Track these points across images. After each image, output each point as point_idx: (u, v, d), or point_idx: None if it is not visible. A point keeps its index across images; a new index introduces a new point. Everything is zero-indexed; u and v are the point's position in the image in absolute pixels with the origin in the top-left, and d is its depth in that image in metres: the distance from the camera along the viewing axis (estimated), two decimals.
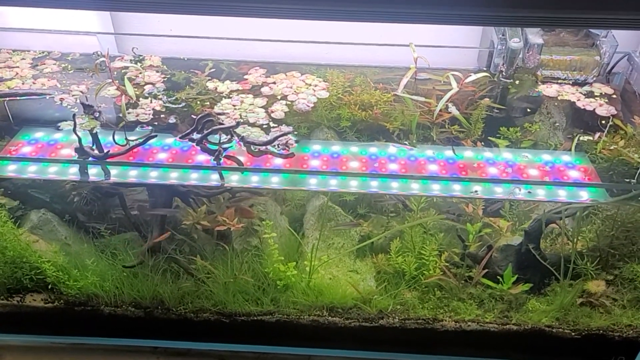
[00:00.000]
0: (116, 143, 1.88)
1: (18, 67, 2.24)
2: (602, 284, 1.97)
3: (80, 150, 1.73)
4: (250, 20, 2.12)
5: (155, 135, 1.83)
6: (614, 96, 2.18)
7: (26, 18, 2.36)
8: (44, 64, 2.27)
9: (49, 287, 2.01)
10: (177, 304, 2.01)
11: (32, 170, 1.83)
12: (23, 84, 2.14)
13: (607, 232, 1.96)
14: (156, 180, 1.78)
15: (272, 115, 2.02)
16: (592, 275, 1.95)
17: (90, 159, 1.75)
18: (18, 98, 2.06)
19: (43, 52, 2.35)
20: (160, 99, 2.08)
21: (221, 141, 1.85)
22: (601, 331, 1.95)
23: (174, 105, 2.06)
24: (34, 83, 2.13)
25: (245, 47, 2.41)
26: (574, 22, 1.55)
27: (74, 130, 1.74)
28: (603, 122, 2.05)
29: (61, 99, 2.06)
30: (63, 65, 2.28)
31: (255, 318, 2.00)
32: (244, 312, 2.00)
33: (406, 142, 1.95)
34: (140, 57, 2.33)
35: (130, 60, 2.31)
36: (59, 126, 1.93)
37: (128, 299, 2.01)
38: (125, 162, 1.78)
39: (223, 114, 1.99)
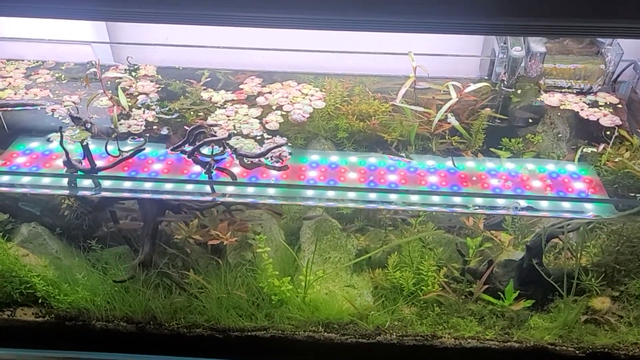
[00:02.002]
0: (109, 154, 1.85)
1: (11, 76, 2.21)
2: (607, 301, 1.90)
3: (68, 163, 1.69)
4: (248, 29, 2.08)
5: (144, 149, 1.79)
6: (619, 106, 2.12)
7: (20, 27, 2.33)
8: (38, 73, 2.24)
9: (40, 301, 1.97)
10: (170, 319, 1.96)
11: (22, 182, 1.81)
12: (15, 94, 2.11)
13: (612, 247, 1.89)
14: (145, 194, 1.75)
15: (267, 126, 1.98)
16: (596, 292, 1.88)
17: (78, 172, 1.71)
18: (9, 109, 2.03)
19: (37, 62, 2.32)
20: (153, 109, 2.04)
21: (213, 153, 1.81)
22: (606, 349, 1.88)
23: (167, 116, 2.02)
24: (26, 93, 2.11)
25: (242, 56, 2.38)
26: (579, 31, 1.51)
27: (61, 144, 1.70)
28: (608, 132, 1.99)
29: (53, 110, 2.02)
30: (57, 74, 2.25)
31: (249, 334, 1.95)
32: (238, 328, 1.95)
33: (403, 155, 1.90)
34: (135, 67, 2.30)
35: (125, 69, 2.28)
36: (49, 138, 1.91)
37: (120, 313, 1.97)
38: (114, 175, 1.75)
39: (216, 125, 1.95)
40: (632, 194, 1.77)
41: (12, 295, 1.97)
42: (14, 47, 2.37)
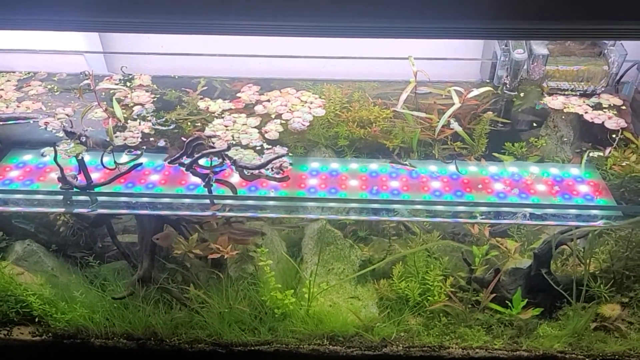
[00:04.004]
0: (105, 167, 1.80)
1: (2, 89, 2.16)
2: (616, 307, 1.88)
3: (62, 180, 1.64)
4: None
5: (141, 164, 1.75)
6: (623, 107, 2.09)
7: (11, 38, 2.28)
8: (30, 85, 2.20)
9: (37, 319, 1.93)
10: (171, 334, 1.93)
11: (15, 199, 1.76)
12: (7, 107, 2.06)
13: (621, 253, 1.86)
14: (143, 210, 1.70)
15: (266, 135, 1.93)
16: (606, 298, 1.86)
17: (73, 189, 1.66)
18: (1, 123, 1.99)
19: (29, 73, 2.27)
20: (149, 120, 2.00)
21: (212, 165, 1.77)
22: (617, 357, 1.86)
23: (163, 127, 1.97)
24: (18, 106, 2.06)
25: (239, 63, 2.33)
26: (582, 33, 1.48)
27: (55, 160, 1.66)
28: (613, 135, 1.96)
29: (45, 123, 1.97)
30: (49, 86, 2.20)
31: (253, 348, 1.91)
32: (241, 342, 1.91)
33: (406, 163, 1.86)
34: (130, 76, 2.25)
35: (120, 79, 2.23)
36: (43, 152, 1.86)
37: (119, 330, 1.93)
38: (110, 192, 1.70)
39: (214, 135, 1.91)
40: None
41: (8, 314, 1.93)
42: (4, 58, 2.32)
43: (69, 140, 1.88)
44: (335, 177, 1.85)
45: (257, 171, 1.76)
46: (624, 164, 1.81)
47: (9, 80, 2.22)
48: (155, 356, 1.96)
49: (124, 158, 1.85)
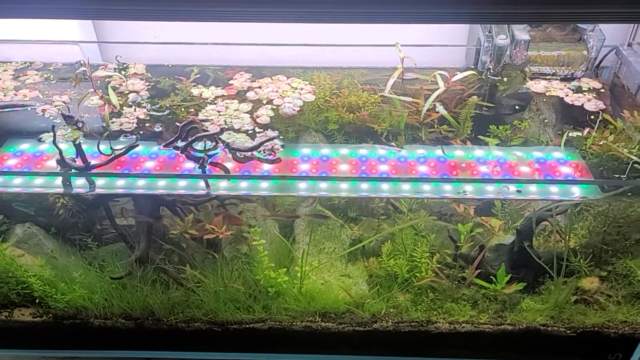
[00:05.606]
0: (101, 153, 1.85)
1: (0, 78, 2.20)
2: (596, 281, 1.95)
3: (61, 162, 1.70)
4: (236, 25, 2.10)
5: (137, 145, 1.80)
6: (602, 90, 2.16)
7: (7, 28, 2.32)
8: (26, 74, 2.24)
9: (37, 301, 1.98)
10: (168, 314, 1.98)
11: (15, 184, 1.81)
12: (5, 95, 2.10)
13: (599, 228, 1.94)
14: (141, 190, 1.76)
15: (258, 120, 1.99)
16: (585, 272, 1.93)
17: (72, 170, 1.72)
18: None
19: (25, 63, 2.32)
20: (144, 107, 2.05)
21: (206, 148, 1.82)
22: (596, 328, 1.93)
23: (158, 113, 2.03)
24: (15, 95, 2.10)
25: (231, 52, 2.39)
26: (561, 17, 1.54)
27: (54, 142, 1.71)
28: (592, 117, 2.03)
29: (43, 110, 2.02)
30: (45, 75, 2.25)
31: (247, 326, 1.98)
32: (236, 321, 1.97)
33: (394, 144, 1.93)
34: (125, 65, 2.30)
35: (114, 68, 2.28)
36: (41, 138, 1.91)
37: (118, 310, 1.98)
38: (109, 172, 1.76)
39: (207, 120, 1.96)
40: (617, 175, 1.81)
41: (9, 296, 1.97)
42: (0, 49, 2.36)
43: (66, 126, 1.93)
44: (326, 161, 1.91)
45: (249, 153, 1.82)
46: (601, 143, 1.89)
47: (5, 70, 2.26)
48: (153, 335, 2.01)
49: (120, 144, 1.90)
